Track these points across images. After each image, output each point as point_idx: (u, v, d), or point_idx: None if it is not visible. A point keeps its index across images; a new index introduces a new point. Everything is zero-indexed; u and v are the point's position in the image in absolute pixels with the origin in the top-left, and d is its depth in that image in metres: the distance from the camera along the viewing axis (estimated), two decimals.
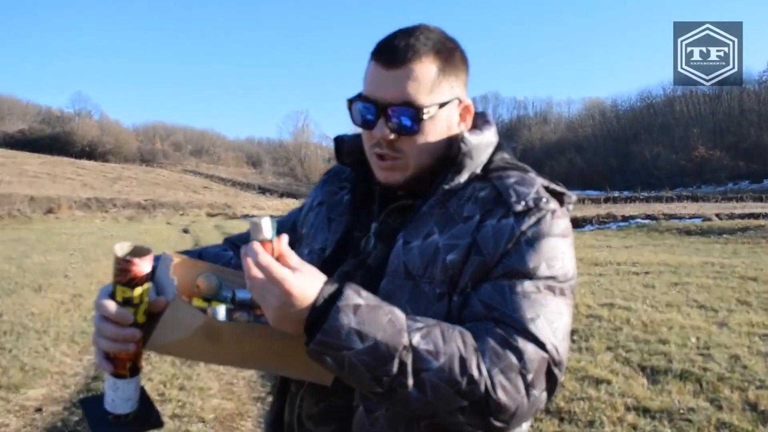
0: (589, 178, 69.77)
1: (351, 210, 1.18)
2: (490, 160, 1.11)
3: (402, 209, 1.11)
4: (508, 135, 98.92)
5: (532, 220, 0.99)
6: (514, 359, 0.89)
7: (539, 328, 0.92)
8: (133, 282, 0.90)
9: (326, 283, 0.87)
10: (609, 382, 4.29)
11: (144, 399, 1.00)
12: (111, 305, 0.91)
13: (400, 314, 0.88)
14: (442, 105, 1.04)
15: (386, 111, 1.02)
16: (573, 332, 5.81)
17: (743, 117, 76.13)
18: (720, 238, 17.01)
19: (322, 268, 1.07)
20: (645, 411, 3.81)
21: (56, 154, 67.60)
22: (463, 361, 0.87)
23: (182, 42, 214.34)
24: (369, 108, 1.04)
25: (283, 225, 1.38)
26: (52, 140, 75.93)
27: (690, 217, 23.04)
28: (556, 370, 0.93)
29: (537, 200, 1.01)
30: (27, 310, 6.80)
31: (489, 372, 0.88)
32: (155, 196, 49.86)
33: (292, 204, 61.00)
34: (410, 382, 0.86)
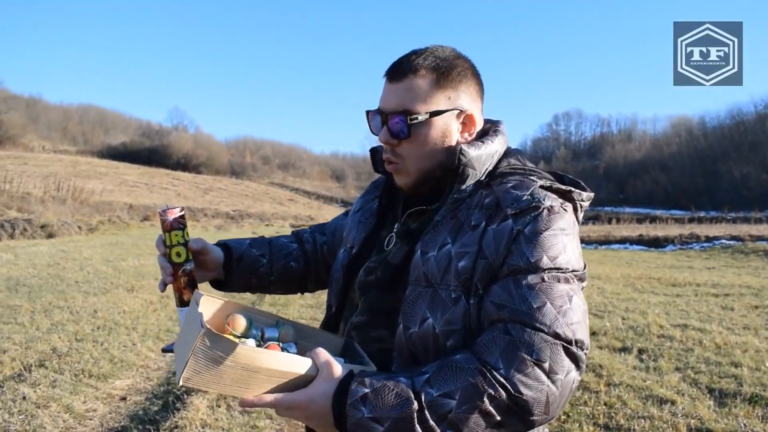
0: (674, 197, 66.99)
1: (377, 214, 1.33)
2: (496, 167, 1.20)
3: (420, 212, 1.23)
4: (590, 152, 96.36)
5: (528, 218, 1.07)
6: (524, 354, 0.97)
7: (546, 315, 0.99)
8: (165, 228, 1.25)
9: (337, 385, 0.98)
10: (674, 403, 4.23)
11: None
12: (159, 245, 1.29)
13: (404, 381, 0.97)
14: (436, 113, 1.15)
15: (387, 119, 1.16)
16: (642, 351, 5.72)
17: None
18: None
19: (351, 263, 1.30)
20: None
21: (154, 165, 70.55)
22: (475, 386, 0.95)
23: (273, 59, 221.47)
24: (378, 118, 1.19)
25: (328, 227, 1.63)
26: (150, 152, 79.27)
27: None
28: (574, 349, 1.00)
29: (530, 201, 1.09)
30: (119, 308, 7.27)
31: (507, 377, 0.96)
32: (243, 207, 51.35)
33: None
34: (440, 430, 0.94)
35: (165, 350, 1.53)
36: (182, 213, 1.28)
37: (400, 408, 0.94)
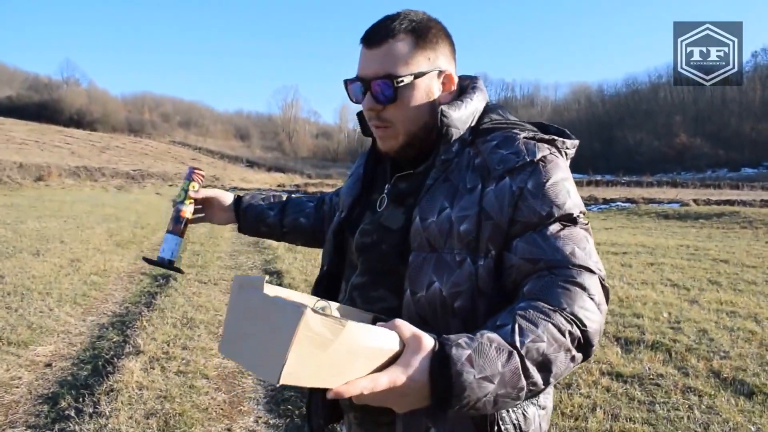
0: (574, 160, 69.48)
1: (363, 179, 1.37)
2: (479, 123, 1.22)
3: (408, 174, 1.26)
4: None
5: (526, 174, 1.10)
6: (580, 290, 1.01)
7: (579, 258, 1.05)
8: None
9: (431, 357, 0.87)
10: None
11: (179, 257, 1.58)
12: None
13: (493, 335, 0.92)
14: (418, 75, 1.15)
15: (370, 85, 1.16)
16: None
17: (725, 107, 76.89)
18: (696, 222, 17.43)
19: (340, 226, 1.37)
20: (618, 376, 4.12)
21: (44, 121, 65.98)
22: (557, 327, 0.96)
23: (173, 12, 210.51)
24: (358, 85, 1.19)
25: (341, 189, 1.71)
26: (39, 108, 74.06)
27: (668, 202, 23.44)
28: (605, 283, 1.07)
29: (517, 158, 1.11)
30: (28, 273, 6.94)
31: (574, 313, 0.99)
32: (143, 166, 49.20)
33: (280, 178, 60.64)
34: (539, 376, 0.94)
35: (150, 261, 1.63)
36: (197, 171, 1.62)
37: (507, 361, 0.91)
